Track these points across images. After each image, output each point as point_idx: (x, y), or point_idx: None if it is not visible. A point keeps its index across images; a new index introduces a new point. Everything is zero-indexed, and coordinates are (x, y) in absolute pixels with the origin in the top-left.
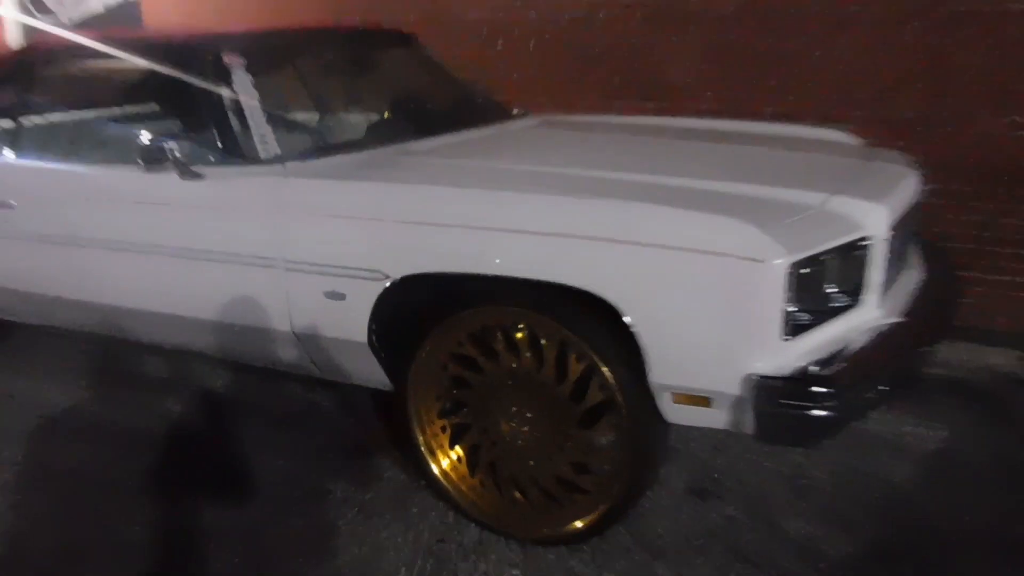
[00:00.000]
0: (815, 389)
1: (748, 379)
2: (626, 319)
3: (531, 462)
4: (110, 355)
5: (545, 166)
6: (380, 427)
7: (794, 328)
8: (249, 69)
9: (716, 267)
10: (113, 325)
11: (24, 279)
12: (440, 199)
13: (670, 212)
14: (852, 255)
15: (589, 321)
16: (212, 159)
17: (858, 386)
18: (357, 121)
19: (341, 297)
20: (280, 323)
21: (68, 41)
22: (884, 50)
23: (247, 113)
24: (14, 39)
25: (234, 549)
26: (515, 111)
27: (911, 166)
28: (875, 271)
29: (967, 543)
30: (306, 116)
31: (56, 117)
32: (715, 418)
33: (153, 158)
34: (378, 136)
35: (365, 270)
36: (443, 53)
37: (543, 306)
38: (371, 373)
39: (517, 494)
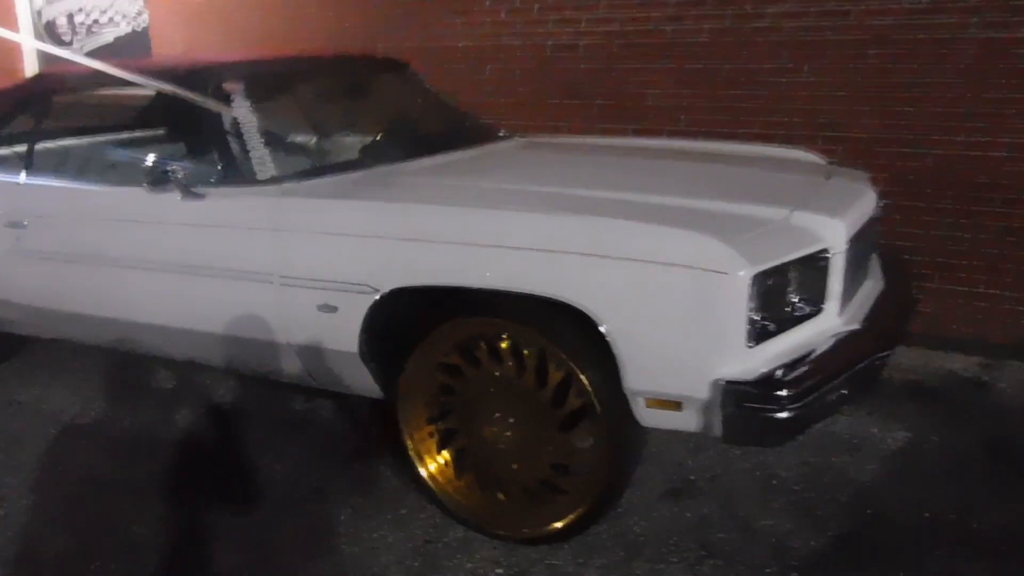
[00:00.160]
0: (778, 393)
1: (715, 384)
2: (602, 328)
3: (514, 465)
4: (118, 365)
5: (526, 184)
6: (373, 433)
7: (758, 335)
8: (249, 95)
9: (685, 278)
10: (120, 338)
11: (35, 294)
12: (426, 216)
13: (642, 227)
14: (812, 266)
15: (567, 331)
16: (213, 180)
17: (819, 390)
18: (351, 143)
19: (333, 310)
20: (276, 335)
21: (80, 68)
22: (847, 74)
23: (246, 137)
24: (30, 66)
25: (233, 548)
26: (501, 133)
27: (869, 183)
28: (835, 281)
29: (926, 536)
30: (303, 139)
31: (67, 141)
32: (686, 421)
33: (157, 179)
34: (370, 157)
35: (355, 284)
36: (435, 78)
37: (524, 317)
38: (363, 382)
39: (501, 495)
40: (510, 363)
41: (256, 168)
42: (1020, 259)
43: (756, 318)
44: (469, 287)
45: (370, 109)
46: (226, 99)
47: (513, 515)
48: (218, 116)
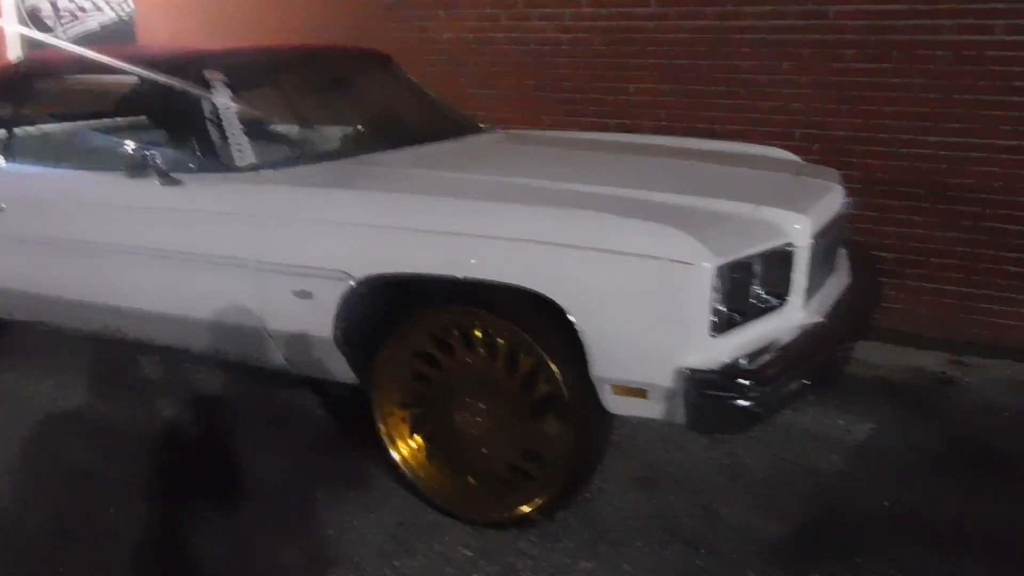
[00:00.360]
0: (740, 381)
1: (679, 372)
2: (570, 317)
3: (484, 450)
4: (101, 352)
5: (500, 176)
6: (348, 418)
7: (722, 326)
8: (229, 83)
9: (651, 269)
10: (99, 323)
11: (12, 278)
12: (399, 205)
13: (610, 219)
14: (777, 260)
15: (536, 319)
16: (192, 167)
17: (781, 379)
18: (331, 133)
19: (309, 296)
20: (254, 321)
21: (63, 54)
22: (824, 74)
23: (225, 124)
24: (13, 52)
25: (206, 533)
26: (482, 126)
27: (838, 181)
28: (799, 275)
29: (884, 526)
30: (283, 128)
31: (48, 126)
32: (651, 409)
33: (136, 165)
34: (349, 147)
35: (330, 271)
36: (419, 72)
37: (494, 306)
38: (337, 368)
39: (471, 480)
40: (482, 351)
41: (235, 155)
42: (990, 258)
43: (720, 309)
44: (440, 276)
45: (350, 100)
46: (206, 87)
47: (482, 499)
48: (198, 103)
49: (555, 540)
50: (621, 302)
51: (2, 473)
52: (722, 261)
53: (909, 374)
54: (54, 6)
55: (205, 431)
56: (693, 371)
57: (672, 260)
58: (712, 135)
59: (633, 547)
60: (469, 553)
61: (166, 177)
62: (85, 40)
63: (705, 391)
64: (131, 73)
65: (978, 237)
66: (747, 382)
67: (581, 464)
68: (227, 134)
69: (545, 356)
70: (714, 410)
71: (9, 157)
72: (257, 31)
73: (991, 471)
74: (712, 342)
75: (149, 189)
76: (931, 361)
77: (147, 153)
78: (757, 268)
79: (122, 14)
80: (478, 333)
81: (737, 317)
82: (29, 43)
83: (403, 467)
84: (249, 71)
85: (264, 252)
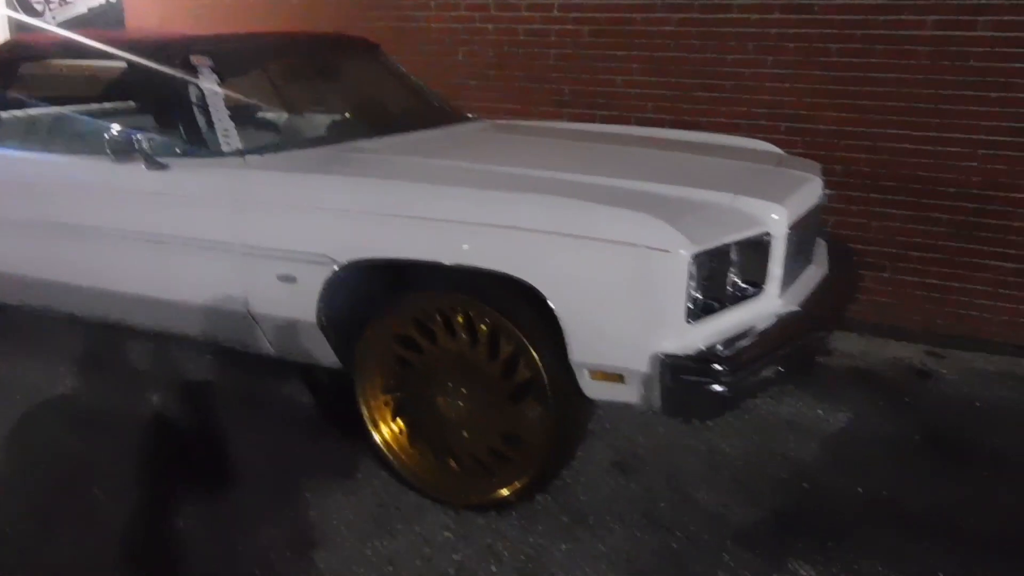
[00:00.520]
0: (715, 367)
1: (655, 358)
2: (549, 303)
3: (464, 433)
4: (87, 336)
5: (484, 164)
6: (331, 403)
7: (698, 313)
8: (216, 69)
9: (628, 256)
10: (85, 305)
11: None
12: (381, 191)
13: (588, 207)
14: (753, 249)
15: (516, 305)
16: (177, 151)
17: (755, 366)
18: (318, 120)
19: (292, 280)
20: (237, 304)
21: (50, 38)
22: (809, 68)
23: (211, 110)
24: (1, 35)
25: (192, 515)
26: (469, 116)
27: (817, 173)
28: (775, 264)
29: (857, 511)
30: (269, 114)
31: (33, 110)
32: (628, 393)
33: (121, 149)
34: (335, 134)
35: (314, 255)
36: (409, 61)
37: (476, 291)
38: (321, 352)
39: (452, 463)
40: (463, 336)
41: (221, 140)
42: (970, 252)
43: (696, 296)
44: (422, 261)
45: (337, 87)
46: (193, 72)
47: (463, 482)
48: (185, 89)
49: (534, 523)
50: (599, 289)
51: None
52: (698, 249)
53: (888, 365)
54: None
55: (189, 415)
56: (668, 356)
57: (649, 247)
58: (698, 128)
59: (610, 530)
60: (449, 535)
61: (152, 161)
62: (74, 24)
63: (680, 376)
64: (118, 58)
65: (958, 231)
66: (721, 368)
67: (559, 448)
68: (213, 119)
69: (525, 342)
70: (689, 395)
71: None
72: (245, 17)
73: (963, 460)
74: (688, 328)
75: (135, 173)
76: (910, 353)
77: (134, 137)
78: (733, 256)
79: None
80: (460, 319)
81: (713, 304)
82: (17, 26)
83: (385, 450)
84: (236, 57)
85: (249, 236)
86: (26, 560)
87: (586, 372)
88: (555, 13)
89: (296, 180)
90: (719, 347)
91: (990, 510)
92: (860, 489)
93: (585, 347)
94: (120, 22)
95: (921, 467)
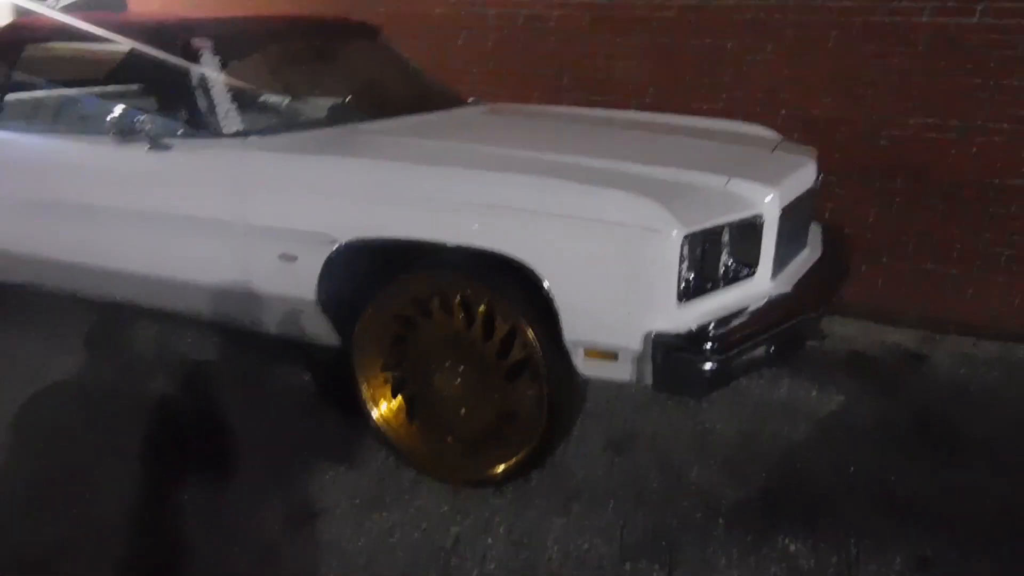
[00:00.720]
0: (705, 345)
1: (647, 336)
2: (544, 283)
3: (462, 411)
4: (89, 315)
5: (481, 146)
6: (331, 380)
7: (690, 293)
8: (219, 52)
9: (621, 237)
10: (87, 285)
11: (2, 241)
12: (380, 171)
13: (582, 188)
14: (746, 231)
15: (512, 285)
16: (180, 132)
17: (744, 345)
18: (318, 103)
19: (293, 259)
20: (239, 283)
21: (52, 20)
22: (808, 56)
23: (213, 92)
24: (2, 17)
25: (193, 489)
26: (470, 100)
27: (813, 158)
28: (767, 246)
29: (846, 492)
30: (271, 96)
31: (36, 92)
32: (621, 371)
33: (124, 130)
34: (335, 116)
35: (315, 234)
36: (409, 45)
37: (472, 271)
38: (321, 330)
39: (449, 440)
40: (460, 316)
41: (222, 122)
42: (965, 239)
43: (688, 276)
44: (420, 240)
45: (338, 71)
46: (195, 55)
47: (460, 458)
48: (187, 71)
49: (529, 499)
50: (592, 268)
51: None
52: (689, 230)
53: (883, 349)
54: None
55: (190, 392)
56: (660, 335)
57: (641, 228)
58: (696, 114)
59: (604, 507)
60: (446, 509)
61: (154, 142)
62: (76, 7)
63: (671, 354)
64: (121, 41)
65: (954, 218)
66: (711, 346)
67: (555, 426)
68: (215, 101)
69: (521, 321)
70: (679, 372)
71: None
72: (247, 1)
73: (955, 444)
74: (679, 308)
75: (137, 154)
76: (905, 338)
77: (136, 119)
78: (725, 238)
79: None
80: (457, 299)
81: (705, 285)
82: (17, 10)
83: (384, 427)
84: (238, 39)
85: (250, 216)
86: (25, 540)
87: (580, 351)
88: None
89: (297, 160)
90: (710, 326)
91: (979, 493)
92: (851, 469)
93: (579, 326)
94: (123, 5)
95: (913, 450)
